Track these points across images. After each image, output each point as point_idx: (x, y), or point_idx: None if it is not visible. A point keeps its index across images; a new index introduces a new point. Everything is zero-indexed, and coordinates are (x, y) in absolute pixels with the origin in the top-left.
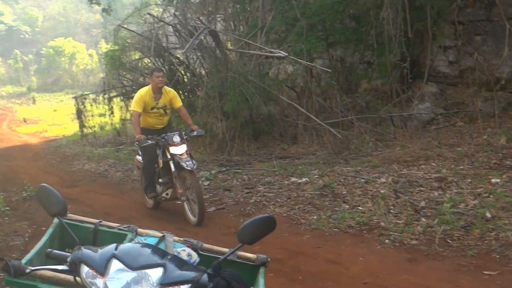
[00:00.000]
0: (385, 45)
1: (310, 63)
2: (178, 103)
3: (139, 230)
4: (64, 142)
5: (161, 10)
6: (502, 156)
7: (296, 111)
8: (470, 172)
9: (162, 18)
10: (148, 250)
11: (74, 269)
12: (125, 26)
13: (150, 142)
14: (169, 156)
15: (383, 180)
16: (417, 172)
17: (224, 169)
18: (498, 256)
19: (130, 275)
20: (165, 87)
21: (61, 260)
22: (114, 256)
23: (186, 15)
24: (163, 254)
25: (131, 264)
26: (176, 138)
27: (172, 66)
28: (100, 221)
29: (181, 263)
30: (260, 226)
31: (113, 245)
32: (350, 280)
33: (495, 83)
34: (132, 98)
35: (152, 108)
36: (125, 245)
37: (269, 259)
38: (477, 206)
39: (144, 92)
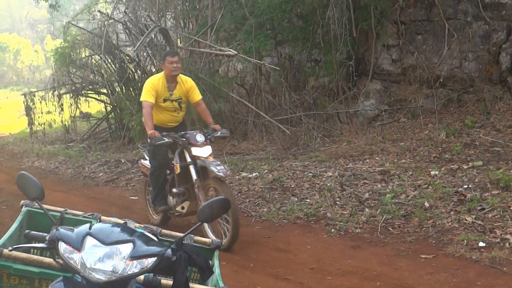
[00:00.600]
0: (331, 43)
1: (259, 61)
2: (197, 95)
3: (102, 217)
4: (11, 139)
5: (111, 7)
6: (441, 150)
7: (246, 108)
8: (412, 165)
9: (112, 16)
10: (119, 229)
11: (52, 247)
12: (75, 23)
13: (166, 140)
14: (189, 160)
15: (330, 174)
16: (362, 166)
17: None
18: (434, 241)
19: (104, 250)
20: (181, 75)
21: (38, 240)
22: (88, 233)
23: (136, 13)
24: (131, 232)
25: (104, 240)
26: (200, 137)
27: (122, 64)
28: (66, 209)
29: (148, 240)
30: (216, 207)
31: (87, 225)
32: (298, 266)
33: (435, 80)
34: (82, 95)
35: (165, 100)
36: (98, 225)
37: (222, 243)
38: (416, 196)
39: (156, 79)
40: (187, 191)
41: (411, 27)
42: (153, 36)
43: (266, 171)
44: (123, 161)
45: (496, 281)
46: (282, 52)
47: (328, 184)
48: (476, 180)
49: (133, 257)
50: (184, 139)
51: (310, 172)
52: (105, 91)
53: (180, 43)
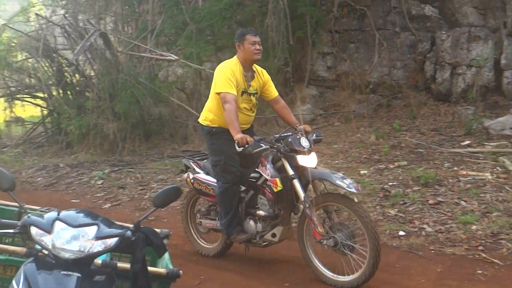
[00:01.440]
0: (269, 50)
1: (199, 66)
2: (274, 90)
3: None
4: None
5: (49, 10)
6: (371, 152)
7: (186, 112)
8: (344, 166)
9: (50, 19)
10: (83, 214)
11: (24, 231)
12: (11, 25)
13: (264, 146)
14: (291, 172)
15: None
16: None
17: (116, 168)
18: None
19: (72, 232)
20: (255, 64)
21: (10, 227)
22: (57, 218)
23: (76, 16)
24: (95, 216)
25: (72, 223)
26: (305, 142)
27: (60, 67)
28: (23, 204)
29: (110, 223)
30: (169, 194)
31: (55, 211)
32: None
33: (366, 86)
34: (18, 99)
35: (242, 93)
36: (65, 211)
37: (171, 233)
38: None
39: (233, 65)
40: (280, 212)
41: (345, 36)
42: (93, 40)
43: None
44: (61, 166)
45: (413, 263)
46: (222, 57)
47: None
48: (400, 178)
49: (98, 237)
50: (283, 146)
51: None
52: (41, 95)
53: (120, 47)
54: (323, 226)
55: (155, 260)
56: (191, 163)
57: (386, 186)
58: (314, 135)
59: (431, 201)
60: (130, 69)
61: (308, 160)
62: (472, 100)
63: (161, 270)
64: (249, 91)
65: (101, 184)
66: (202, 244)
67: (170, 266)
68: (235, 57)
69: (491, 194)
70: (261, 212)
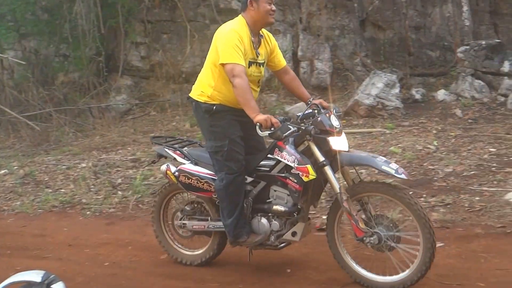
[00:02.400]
0: (80, 39)
1: (1, 55)
2: (283, 59)
3: None
4: None
5: None
6: (186, 139)
7: None
8: None
9: None
10: None
11: None
12: None
13: (293, 128)
14: (321, 158)
15: (84, 165)
16: (115, 156)
17: None
18: None
19: None
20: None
21: None
22: None
23: None
24: None
25: None
26: (335, 121)
27: None
28: None
29: None
30: None
31: None
32: (56, 245)
33: (179, 76)
34: None
35: (250, 64)
36: None
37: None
38: (162, 178)
39: (240, 28)
40: (303, 207)
41: (157, 27)
42: None
43: (16, 167)
44: None
45: None
46: (27, 45)
47: (82, 174)
48: None
49: None
50: (312, 126)
51: (64, 165)
52: None
53: None
54: (364, 222)
55: None
56: (170, 152)
57: None
58: (334, 110)
59: None
60: None
61: (341, 142)
62: (275, 88)
63: None
64: (258, 61)
65: None
66: (182, 250)
67: None
68: (240, 18)
69: None
70: (279, 208)
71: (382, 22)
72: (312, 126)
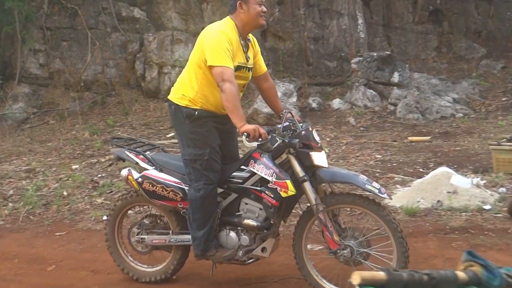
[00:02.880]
0: None
1: None
2: (264, 64)
3: None
4: None
5: None
6: (85, 148)
7: None
8: (56, 162)
9: None
10: None
11: None
12: None
13: (279, 141)
14: (301, 173)
15: None
16: (8, 167)
17: None
18: (68, 222)
19: None
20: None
21: None
22: None
23: None
24: None
25: None
26: (317, 136)
27: None
28: None
29: None
30: None
31: None
32: None
33: (78, 84)
34: None
35: (239, 69)
36: None
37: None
38: (57, 188)
39: (229, 30)
40: (274, 224)
41: (57, 34)
42: None
43: None
44: None
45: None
46: None
47: None
48: (109, 170)
49: None
50: (296, 139)
51: None
52: None
53: None
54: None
55: None
56: (132, 156)
57: (95, 178)
58: (304, 125)
59: None
60: None
61: (322, 158)
62: None
63: None
64: (248, 66)
65: None
66: (140, 267)
67: None
68: (229, 19)
69: None
70: (250, 222)
71: (282, 33)
72: (297, 140)
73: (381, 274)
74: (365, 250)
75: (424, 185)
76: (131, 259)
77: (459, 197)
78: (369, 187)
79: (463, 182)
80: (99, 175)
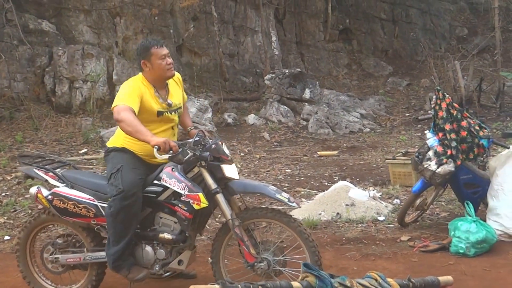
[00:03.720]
0: None
1: None
2: (185, 95)
3: None
4: None
5: None
6: None
7: None
8: None
9: None
10: None
11: None
12: None
13: (191, 153)
14: (213, 186)
15: None
16: None
17: None
18: None
19: None
20: None
21: None
22: None
23: None
24: None
25: None
26: (227, 149)
27: None
28: None
29: None
30: None
31: None
32: None
33: None
34: None
35: (160, 114)
36: None
37: None
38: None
39: (139, 82)
40: (189, 237)
41: None
42: None
43: None
44: None
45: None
46: None
47: None
48: (14, 188)
49: None
50: (205, 153)
51: None
52: None
53: None
54: (255, 247)
55: None
56: (41, 173)
57: None
58: (213, 140)
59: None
60: None
61: (233, 170)
62: (90, 112)
63: None
64: (172, 109)
65: None
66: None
67: None
68: (140, 75)
69: None
70: (165, 236)
71: (198, 49)
72: (208, 153)
73: (216, 287)
74: (281, 258)
75: (325, 198)
76: (47, 281)
77: (356, 209)
78: (279, 196)
79: (360, 195)
80: (3, 194)
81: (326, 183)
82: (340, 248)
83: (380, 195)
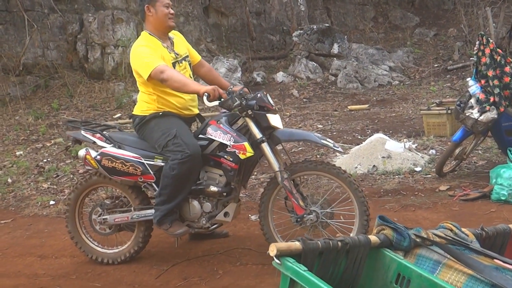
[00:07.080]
0: None
1: None
2: (197, 53)
3: None
4: None
5: None
6: (29, 133)
7: None
8: (0, 150)
9: None
10: None
11: None
12: None
13: (239, 101)
14: (259, 135)
15: None
16: None
17: None
18: (14, 209)
19: None
20: None
21: None
22: None
23: None
24: None
25: None
26: (271, 99)
27: None
28: None
29: None
30: None
31: None
32: None
33: (17, 68)
34: None
35: (174, 65)
36: None
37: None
38: (1, 175)
39: (147, 41)
40: (236, 188)
41: None
42: None
43: None
44: None
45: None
46: None
47: None
48: (55, 154)
49: None
50: (250, 103)
51: None
52: None
53: None
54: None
55: None
56: (89, 135)
57: (41, 163)
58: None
59: (81, 171)
60: None
61: (277, 120)
62: (122, 77)
63: None
64: (179, 59)
65: None
66: (102, 250)
67: None
68: (143, 32)
69: None
70: (212, 188)
71: (225, 9)
72: (255, 101)
73: (296, 244)
74: (327, 210)
75: (361, 152)
76: (94, 242)
77: (392, 161)
78: (325, 142)
79: (396, 147)
80: (45, 160)
81: (359, 137)
82: (378, 200)
83: (416, 146)
